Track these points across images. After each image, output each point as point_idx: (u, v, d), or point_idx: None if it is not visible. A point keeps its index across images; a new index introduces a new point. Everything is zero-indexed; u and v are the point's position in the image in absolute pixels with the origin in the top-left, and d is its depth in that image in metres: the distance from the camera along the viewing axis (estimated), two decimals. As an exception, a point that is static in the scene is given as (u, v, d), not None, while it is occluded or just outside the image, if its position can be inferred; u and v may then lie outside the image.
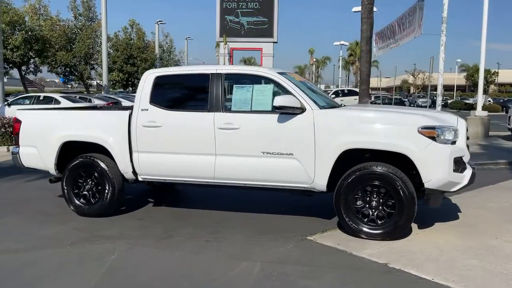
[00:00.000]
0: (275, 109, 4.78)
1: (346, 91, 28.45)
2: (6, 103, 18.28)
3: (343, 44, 54.47)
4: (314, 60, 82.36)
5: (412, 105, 40.04)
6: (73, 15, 36.49)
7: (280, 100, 4.71)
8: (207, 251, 4.44)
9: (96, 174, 5.58)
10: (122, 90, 45.91)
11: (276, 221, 5.43)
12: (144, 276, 3.88)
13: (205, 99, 5.21)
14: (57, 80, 75.12)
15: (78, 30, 35.72)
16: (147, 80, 5.51)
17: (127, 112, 5.47)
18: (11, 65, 28.74)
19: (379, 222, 4.68)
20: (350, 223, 4.73)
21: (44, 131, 5.75)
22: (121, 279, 3.86)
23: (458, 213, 5.75)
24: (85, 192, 5.68)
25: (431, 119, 4.64)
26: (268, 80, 5.09)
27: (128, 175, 5.53)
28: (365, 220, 4.71)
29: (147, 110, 5.38)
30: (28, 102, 18.42)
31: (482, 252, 4.35)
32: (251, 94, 5.09)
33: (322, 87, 62.48)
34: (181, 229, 5.16)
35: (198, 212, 5.90)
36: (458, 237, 4.81)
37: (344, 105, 5.84)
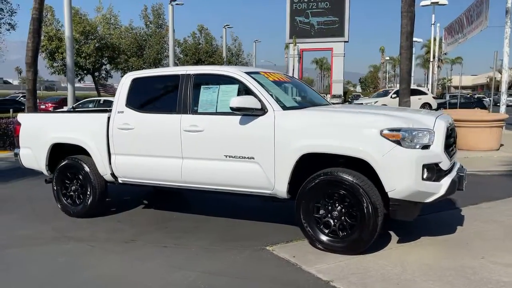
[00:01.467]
0: (232, 110, 4.54)
1: (409, 91, 26.79)
2: (71, 107, 19.69)
3: (415, 41, 51.64)
4: (387, 58, 79.23)
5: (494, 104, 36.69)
6: (144, 23, 38.38)
7: (236, 101, 4.46)
8: (156, 258, 4.32)
9: (80, 176, 5.72)
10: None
11: (250, 228, 5.17)
12: (75, 280, 3.85)
13: (174, 101, 5.11)
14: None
15: (148, 37, 37.48)
16: (124, 83, 5.54)
17: (106, 115, 5.53)
18: (85, 71, 30.94)
19: (341, 234, 4.25)
20: (311, 234, 4.36)
21: (38, 134, 6.00)
22: (51, 281, 3.86)
23: (459, 226, 5.08)
24: (72, 193, 5.84)
25: (397, 121, 4.11)
26: (233, 80, 4.86)
27: (107, 177, 5.59)
28: (327, 231, 4.31)
29: (122, 112, 5.40)
30: (91, 105, 19.67)
31: (451, 274, 3.76)
32: (217, 95, 4.90)
33: (397, 86, 59.92)
34: (151, 233, 5.10)
35: (182, 216, 5.81)
36: (436, 255, 4.23)
37: (332, 104, 5.44)
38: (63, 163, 5.82)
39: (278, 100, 4.65)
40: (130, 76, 5.59)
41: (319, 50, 77.38)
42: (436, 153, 4.12)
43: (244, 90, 4.74)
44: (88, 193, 5.65)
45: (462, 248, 4.40)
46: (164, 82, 5.44)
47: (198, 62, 44.29)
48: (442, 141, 4.17)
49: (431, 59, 45.53)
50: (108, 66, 33.01)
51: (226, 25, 48.95)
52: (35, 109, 15.36)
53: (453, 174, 4.33)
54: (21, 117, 6.33)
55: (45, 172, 6.09)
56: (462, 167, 4.81)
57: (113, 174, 5.54)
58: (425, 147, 4.09)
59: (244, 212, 5.78)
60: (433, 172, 4.09)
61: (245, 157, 4.62)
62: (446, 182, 4.14)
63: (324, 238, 4.29)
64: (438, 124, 4.23)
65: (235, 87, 4.83)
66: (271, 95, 4.68)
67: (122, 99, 5.45)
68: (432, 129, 4.17)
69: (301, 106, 4.97)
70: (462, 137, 9.46)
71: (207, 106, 4.92)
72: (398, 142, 3.98)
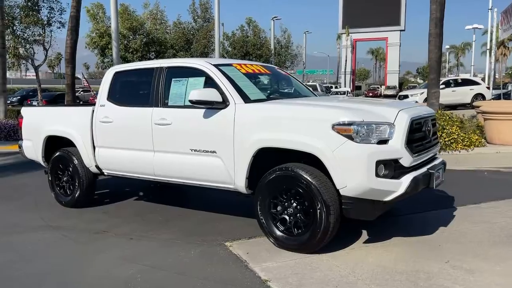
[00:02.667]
0: (191, 103, 4.48)
1: (459, 81, 25.23)
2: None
3: (476, 28, 48.60)
4: (447, 47, 75.37)
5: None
6: (192, 17, 39.10)
7: (196, 94, 4.40)
8: (113, 250, 4.37)
9: (70, 168, 5.93)
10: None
11: (225, 223, 5.09)
12: (23, 270, 3.94)
13: (148, 94, 5.14)
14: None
15: (196, 31, 38.14)
16: (107, 76, 5.66)
17: (91, 108, 5.67)
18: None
19: (295, 231, 4.08)
20: (267, 230, 4.23)
21: (36, 126, 6.28)
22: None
23: (442, 227, 4.72)
24: (64, 184, 6.08)
25: (350, 114, 3.85)
26: (200, 73, 4.79)
27: (93, 169, 5.74)
28: (283, 228, 4.16)
29: (104, 106, 5.52)
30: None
31: (401, 279, 3.49)
32: (185, 88, 4.87)
33: (461, 75, 56.01)
34: (126, 225, 5.18)
35: (165, 208, 5.86)
36: (398, 257, 3.95)
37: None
38: (56, 155, 6.06)
39: (241, 93, 4.53)
40: (113, 69, 5.70)
41: (373, 40, 75.13)
42: (395, 148, 3.83)
43: (210, 83, 4.67)
44: (76, 184, 5.85)
45: (431, 250, 4.09)
46: (141, 76, 5.48)
47: (246, 55, 44.45)
48: (404, 135, 3.86)
49: (488, 47, 42.64)
50: (154, 61, 33.98)
51: (274, 17, 48.71)
52: (74, 102, 16.16)
53: (420, 171, 4.02)
54: (23, 110, 6.65)
55: (42, 163, 6.37)
56: (440, 163, 4.45)
57: (97, 166, 5.68)
58: (382, 142, 3.82)
59: (230, 207, 5.71)
60: (391, 168, 3.81)
61: (208, 151, 4.56)
62: (407, 179, 3.84)
63: (279, 235, 4.15)
64: (400, 117, 3.92)
65: (202, 79, 4.77)
66: (236, 87, 4.56)
67: (104, 93, 5.56)
68: (393, 123, 3.88)
69: (270, 98, 4.80)
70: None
71: (176, 99, 4.90)
72: (349, 137, 3.75)
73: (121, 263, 4.01)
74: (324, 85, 53.32)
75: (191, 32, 38.23)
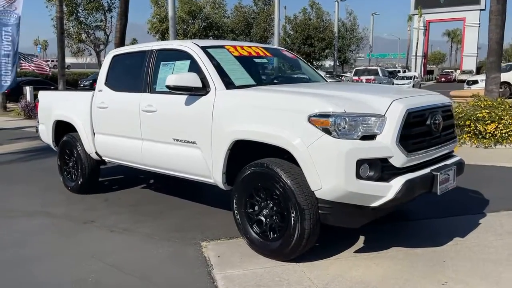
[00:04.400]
0: (168, 89, 4.11)
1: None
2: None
3: None
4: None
5: None
6: (253, 0, 38.73)
7: (173, 79, 4.02)
8: (86, 243, 4.12)
9: (74, 153, 5.85)
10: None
11: (216, 219, 4.70)
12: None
13: (140, 79, 4.85)
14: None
15: (256, 14, 37.74)
16: (106, 60, 5.46)
17: (91, 93, 5.51)
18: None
19: (271, 235, 3.61)
20: (243, 232, 3.80)
21: (48, 111, 6.27)
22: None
23: (458, 238, 4.01)
24: (70, 169, 6.02)
25: (331, 103, 3.26)
26: (187, 55, 4.40)
27: (94, 155, 5.60)
28: (259, 230, 3.70)
29: (101, 91, 5.33)
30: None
31: (376, 301, 2.93)
32: (172, 72, 4.51)
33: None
34: (116, 215, 4.94)
35: (164, 198, 5.61)
36: (387, 273, 3.36)
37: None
38: (62, 140, 6.01)
39: (225, 78, 4.08)
40: (112, 53, 5.48)
41: (449, 21, 70.05)
42: (384, 145, 3.21)
43: (195, 66, 4.27)
44: (80, 170, 5.76)
45: (431, 267, 3.44)
46: (135, 60, 5.17)
47: (308, 38, 43.40)
48: (396, 130, 3.22)
49: None
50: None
51: (339, -1, 46.92)
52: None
53: (418, 173, 3.36)
54: (40, 94, 6.68)
55: (53, 147, 6.37)
56: (453, 164, 3.73)
57: (97, 153, 5.54)
58: (367, 137, 3.21)
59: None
60: (377, 169, 3.20)
61: (189, 142, 4.19)
62: (397, 183, 3.22)
63: (255, 237, 3.70)
64: (393, 108, 3.28)
65: (187, 63, 4.38)
66: (220, 72, 4.12)
67: (103, 77, 5.37)
68: (383, 115, 3.26)
69: (262, 84, 4.30)
70: None
71: (163, 85, 4.54)
72: (326, 130, 3.18)
73: (87, 259, 3.77)
74: (389, 69, 50.81)
75: (252, 16, 37.92)
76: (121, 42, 15.43)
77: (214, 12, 32.07)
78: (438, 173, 3.45)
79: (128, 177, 6.75)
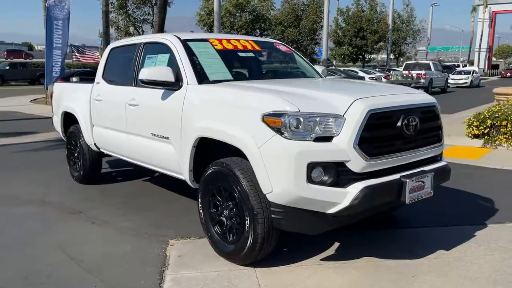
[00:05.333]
0: (142, 83, 4.06)
1: None
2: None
3: None
4: None
5: None
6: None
7: (145, 73, 3.96)
8: (63, 234, 4.14)
9: (78, 143, 5.98)
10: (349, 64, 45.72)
11: (197, 216, 4.64)
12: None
13: (128, 72, 4.84)
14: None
15: (306, 7, 37.15)
16: (105, 53, 5.51)
17: (91, 85, 5.59)
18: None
19: (230, 238, 3.46)
20: (206, 231, 3.68)
21: (59, 102, 6.46)
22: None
23: (442, 251, 3.68)
24: (75, 159, 6.18)
25: (285, 101, 3.03)
26: (167, 49, 4.31)
27: (93, 147, 5.69)
28: (220, 231, 3.57)
29: (98, 83, 5.40)
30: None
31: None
32: (155, 66, 4.45)
33: None
34: (103, 207, 4.93)
35: (161, 192, 5.61)
36: (344, 285, 3.12)
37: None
38: (69, 131, 6.17)
39: (199, 73, 3.96)
40: (110, 46, 5.53)
41: (518, 12, 65.29)
42: (340, 148, 2.95)
43: (174, 60, 4.18)
44: (82, 160, 5.89)
45: (395, 282, 3.16)
46: (127, 52, 5.15)
47: (360, 31, 42.22)
48: (355, 132, 2.96)
49: None
50: (259, 38, 34.02)
51: (394, -11, 45.05)
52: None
53: (382, 179, 3.08)
54: (54, 86, 6.90)
55: (63, 138, 6.56)
56: (431, 171, 3.38)
57: (96, 145, 5.62)
58: (323, 139, 2.97)
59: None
60: (331, 173, 2.96)
61: (163, 137, 4.12)
62: (355, 189, 2.96)
63: (216, 238, 3.57)
64: (354, 108, 3.01)
65: (167, 56, 4.30)
66: (195, 66, 4.01)
67: (100, 70, 5.43)
68: (342, 115, 3.00)
69: (240, 79, 4.13)
70: None
71: (146, 78, 4.51)
72: (278, 130, 2.98)
73: (53, 250, 3.79)
74: (447, 63, 48.29)
75: (301, 8, 37.36)
76: (159, 35, 15.69)
77: (261, 5, 31.86)
78: (408, 180, 3.14)
79: (136, 169, 6.82)
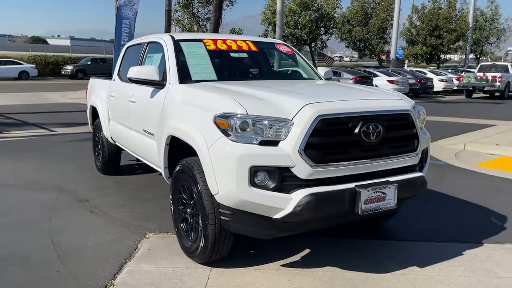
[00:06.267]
0: (130, 81, 4.23)
1: None
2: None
3: None
4: None
5: None
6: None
7: (133, 71, 4.13)
8: (60, 220, 4.44)
9: (99, 136, 6.36)
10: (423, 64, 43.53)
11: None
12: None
13: (134, 70, 5.06)
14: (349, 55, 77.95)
15: (377, 4, 35.96)
16: (121, 52, 5.79)
17: (109, 82, 5.91)
18: (301, 42, 32.21)
19: (191, 236, 3.51)
20: (175, 228, 3.77)
21: (89, 96, 6.91)
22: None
23: (414, 268, 3.46)
24: (98, 151, 6.56)
25: (235, 103, 3.01)
26: (161, 48, 4.45)
27: (110, 140, 6.01)
28: (185, 228, 3.63)
29: (114, 80, 5.69)
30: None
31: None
32: (151, 64, 4.62)
33: None
34: (107, 198, 5.20)
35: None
36: (286, 286, 3.06)
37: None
38: (94, 123, 6.57)
39: (183, 72, 4.06)
40: (127, 45, 5.80)
41: None
42: (286, 153, 2.89)
43: (164, 59, 4.31)
44: (101, 152, 6.25)
45: (345, 295, 3.03)
46: (136, 51, 5.37)
47: (435, 29, 40.03)
48: (301, 137, 2.87)
49: None
50: (324, 36, 33.44)
51: (475, -15, 42.18)
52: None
53: (332, 187, 2.96)
54: (89, 81, 7.36)
55: (91, 130, 7.00)
56: (396, 182, 3.17)
57: (112, 138, 5.94)
58: (269, 143, 2.93)
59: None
60: (275, 178, 2.90)
61: (150, 133, 4.28)
62: (298, 195, 2.88)
63: (182, 235, 3.65)
64: (303, 113, 2.92)
65: (160, 55, 4.44)
66: (180, 66, 4.11)
67: (117, 68, 5.72)
68: (290, 119, 2.93)
69: (225, 80, 4.15)
70: None
71: (143, 76, 4.69)
72: (225, 132, 2.99)
73: (42, 235, 4.04)
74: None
75: (371, 6, 36.21)
76: (215, 33, 16.07)
77: (327, 3, 31.35)
78: (362, 190, 2.99)
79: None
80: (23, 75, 30.89)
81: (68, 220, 4.53)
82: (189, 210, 3.54)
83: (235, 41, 4.66)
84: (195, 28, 24.95)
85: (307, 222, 3.09)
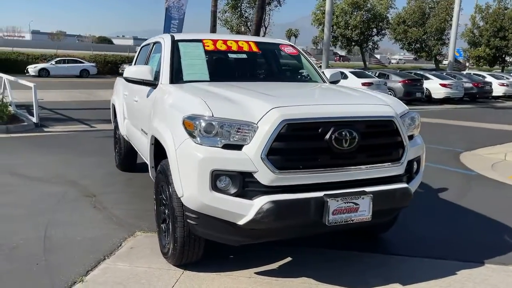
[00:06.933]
0: (125, 80, 4.28)
1: None
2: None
3: None
4: None
5: None
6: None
7: (128, 71, 4.18)
8: (61, 213, 4.61)
9: (117, 134, 6.52)
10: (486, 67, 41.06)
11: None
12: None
13: (142, 70, 5.13)
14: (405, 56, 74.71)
15: (436, 4, 34.42)
16: (138, 51, 5.90)
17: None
18: (352, 43, 31.43)
19: (167, 237, 3.49)
20: (157, 230, 3.76)
21: (113, 94, 7.11)
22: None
23: (396, 285, 3.22)
24: (118, 148, 6.74)
25: (203, 105, 2.94)
26: (161, 48, 4.47)
27: (125, 137, 6.15)
28: (164, 229, 3.61)
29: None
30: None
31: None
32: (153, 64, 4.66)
33: None
34: (114, 194, 5.34)
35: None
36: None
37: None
38: (115, 120, 6.74)
39: (174, 72, 4.05)
40: (142, 44, 5.89)
41: None
42: (248, 157, 2.78)
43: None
44: (119, 149, 6.41)
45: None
46: (146, 51, 5.45)
47: (500, 30, 37.73)
48: (264, 142, 2.75)
49: None
50: (375, 37, 32.41)
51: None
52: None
53: (297, 195, 2.81)
54: (116, 80, 7.57)
55: (113, 127, 7.20)
56: (371, 194, 2.96)
57: (126, 136, 6.06)
58: (232, 146, 2.83)
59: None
60: (236, 183, 2.81)
61: (145, 132, 4.31)
62: (260, 202, 2.76)
63: (161, 236, 3.64)
64: (268, 116, 2.80)
65: (159, 55, 4.47)
66: (173, 66, 4.10)
67: (132, 67, 5.83)
68: (255, 123, 2.82)
69: (219, 80, 4.09)
70: None
71: (146, 76, 4.74)
72: (191, 134, 2.93)
73: (38, 227, 4.19)
74: None
75: (430, 5, 34.68)
76: (256, 34, 16.08)
77: (379, 3, 30.37)
78: (330, 200, 2.82)
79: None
80: (84, 73, 32.52)
81: (69, 213, 4.67)
82: (166, 211, 3.52)
83: (236, 41, 4.59)
84: (243, 29, 25.12)
85: (276, 230, 2.97)
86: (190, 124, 2.94)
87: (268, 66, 4.77)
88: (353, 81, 18.52)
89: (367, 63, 31.19)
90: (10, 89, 12.35)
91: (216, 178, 2.81)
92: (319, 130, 2.86)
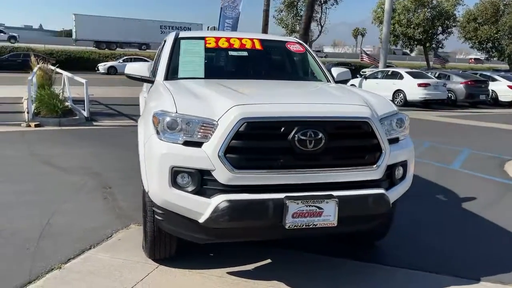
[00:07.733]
0: (127, 77, 4.38)
1: None
2: (363, 76, 20.30)
3: None
4: None
5: None
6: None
7: (128, 68, 4.30)
8: (68, 202, 4.84)
9: (143, 129, 6.73)
10: None
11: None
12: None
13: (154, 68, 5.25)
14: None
15: (510, 0, 32.04)
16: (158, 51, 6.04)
17: (150, 79, 6.21)
18: (415, 42, 30.02)
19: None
20: (143, 223, 3.82)
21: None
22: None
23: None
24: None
25: (170, 102, 2.96)
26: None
27: (142, 133, 6.31)
28: (148, 223, 3.67)
29: (148, 78, 5.97)
30: (380, 76, 19.58)
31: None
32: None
33: None
34: (129, 186, 5.38)
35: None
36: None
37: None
38: (141, 117, 6.97)
39: (170, 69, 4.11)
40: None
41: None
42: (206, 155, 2.74)
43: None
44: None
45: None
46: (161, 49, 5.56)
47: None
48: (222, 140, 2.70)
49: None
50: (440, 36, 30.67)
51: None
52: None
53: (255, 196, 2.73)
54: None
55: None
56: (333, 196, 2.79)
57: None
58: (193, 143, 2.81)
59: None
60: (195, 181, 2.78)
61: (145, 128, 4.41)
62: (216, 201, 2.72)
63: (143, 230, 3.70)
64: (228, 115, 2.74)
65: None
66: (170, 62, 4.17)
67: (152, 66, 5.98)
68: (216, 121, 2.77)
69: (214, 77, 4.07)
70: None
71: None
72: (157, 130, 2.94)
73: (44, 215, 4.38)
74: None
75: (504, 2, 32.29)
76: (305, 33, 15.90)
77: (446, 0, 28.73)
78: (289, 202, 2.71)
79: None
80: (148, 71, 33.96)
81: (79, 203, 4.88)
82: (146, 206, 3.58)
83: (240, 39, 4.54)
84: (297, 28, 24.91)
85: (238, 230, 2.91)
86: (156, 120, 2.96)
87: (268, 64, 4.68)
88: (408, 82, 17.74)
89: (430, 63, 29.72)
90: (69, 85, 13.14)
91: (176, 175, 2.81)
92: (282, 130, 2.75)
